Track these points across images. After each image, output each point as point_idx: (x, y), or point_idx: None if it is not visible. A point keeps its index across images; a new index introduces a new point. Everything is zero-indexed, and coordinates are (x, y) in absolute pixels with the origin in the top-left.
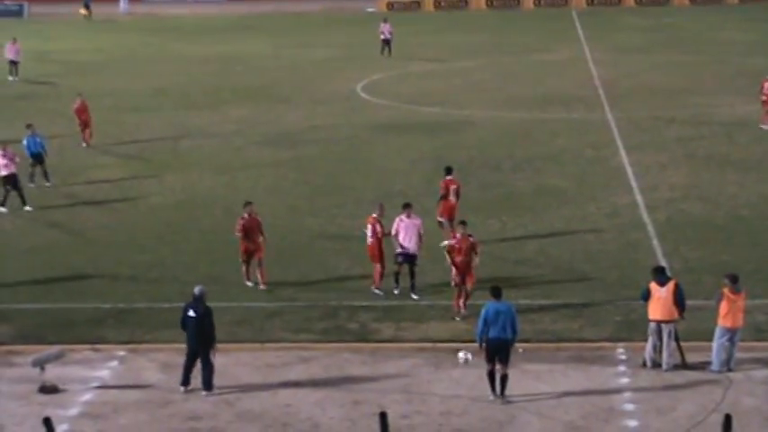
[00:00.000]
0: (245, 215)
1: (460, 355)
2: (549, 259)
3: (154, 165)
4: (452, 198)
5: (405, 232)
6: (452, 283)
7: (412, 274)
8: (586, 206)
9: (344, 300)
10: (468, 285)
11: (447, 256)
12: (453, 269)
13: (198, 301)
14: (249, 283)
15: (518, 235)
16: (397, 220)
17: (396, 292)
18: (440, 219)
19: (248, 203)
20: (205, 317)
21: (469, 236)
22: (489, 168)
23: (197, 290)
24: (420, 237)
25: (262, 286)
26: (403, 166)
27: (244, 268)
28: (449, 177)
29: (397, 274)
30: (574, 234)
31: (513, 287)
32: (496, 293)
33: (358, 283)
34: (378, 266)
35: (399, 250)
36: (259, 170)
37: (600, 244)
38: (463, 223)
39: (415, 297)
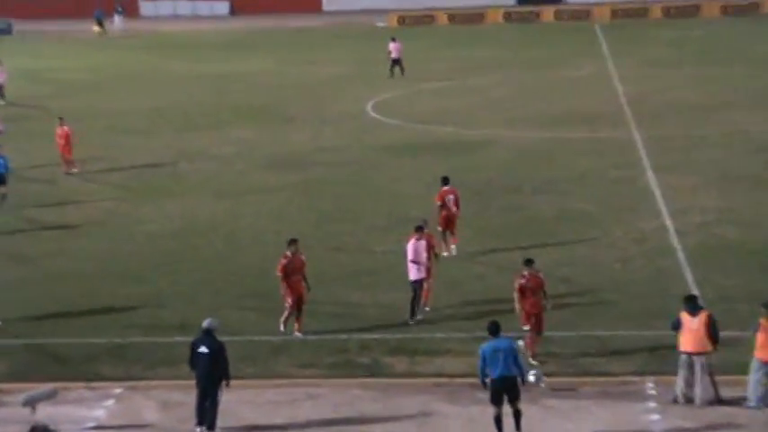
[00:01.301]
0: (288, 253)
1: (532, 374)
2: (572, 287)
3: (150, 190)
4: (452, 208)
5: (415, 255)
6: (525, 327)
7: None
8: (612, 231)
9: (355, 333)
10: (540, 329)
11: (516, 299)
12: (522, 313)
13: (209, 336)
14: (282, 329)
15: (540, 262)
16: (411, 242)
17: (411, 322)
18: (439, 228)
19: (293, 241)
20: (219, 353)
21: (538, 273)
22: (509, 191)
23: (207, 323)
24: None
25: (297, 334)
26: (417, 189)
27: (285, 315)
28: (446, 188)
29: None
30: (599, 261)
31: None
32: (493, 330)
33: (369, 314)
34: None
35: (415, 276)
36: (263, 195)
37: (627, 272)
38: (530, 262)
39: (415, 318)
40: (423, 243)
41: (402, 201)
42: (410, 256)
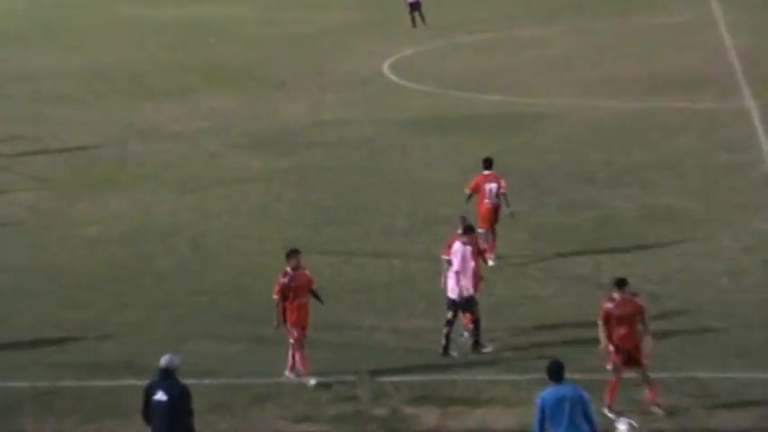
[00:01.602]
0: (289, 269)
1: (621, 425)
2: (663, 310)
3: (89, 180)
4: (494, 199)
5: (463, 265)
6: (609, 367)
7: (474, 323)
8: (718, 236)
9: (367, 372)
10: (639, 369)
11: (600, 329)
12: (610, 347)
13: (168, 378)
14: (291, 376)
15: (615, 276)
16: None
17: (454, 354)
18: (480, 230)
19: (294, 253)
20: (180, 401)
21: (634, 297)
22: (577, 182)
23: (166, 361)
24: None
25: (289, 375)
26: (450, 178)
27: (293, 354)
28: (487, 172)
29: (446, 334)
30: (699, 275)
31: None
32: (555, 372)
33: (385, 346)
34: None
35: (461, 294)
36: (242, 186)
37: (738, 291)
38: (622, 283)
39: (485, 350)
40: (470, 249)
41: (429, 194)
42: (456, 265)
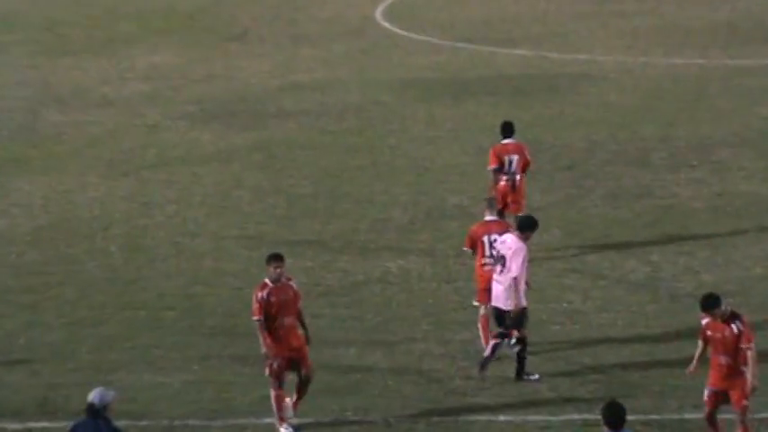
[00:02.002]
0: (269, 281)
1: None
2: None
3: None
4: (512, 176)
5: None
6: (706, 410)
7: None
8: None
9: (363, 410)
10: (738, 409)
11: (698, 350)
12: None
13: (98, 419)
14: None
15: (685, 286)
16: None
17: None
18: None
19: (276, 259)
20: None
21: (734, 318)
22: (627, 162)
23: (95, 396)
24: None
25: (281, 429)
26: (461, 158)
27: (276, 394)
28: (507, 141)
29: (492, 346)
30: None
31: (676, 388)
32: (613, 417)
33: (377, 374)
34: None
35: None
36: (191, 168)
37: None
38: (712, 302)
39: (533, 378)
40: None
41: (434, 179)
42: (516, 269)
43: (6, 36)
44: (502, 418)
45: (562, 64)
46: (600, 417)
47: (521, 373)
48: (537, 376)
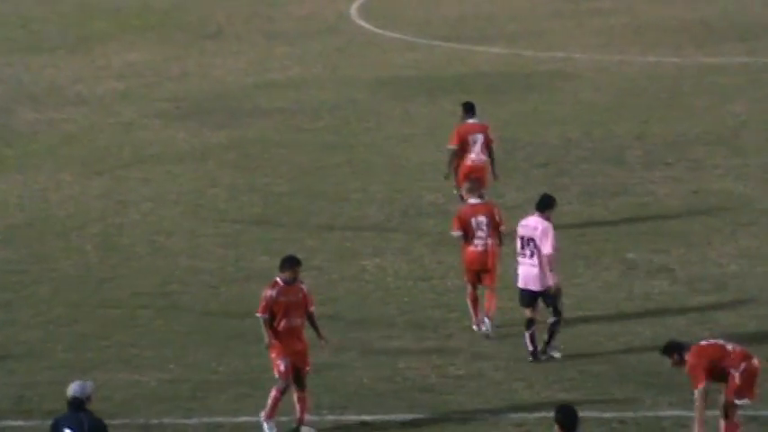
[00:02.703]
0: (280, 281)
1: None
2: (717, 331)
3: None
4: (480, 155)
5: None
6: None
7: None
8: None
9: (339, 408)
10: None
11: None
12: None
13: (79, 412)
14: (265, 425)
15: (660, 283)
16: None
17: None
18: (456, 192)
19: (292, 263)
20: None
21: (682, 364)
22: (602, 160)
23: (75, 389)
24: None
25: (305, 427)
26: (437, 156)
27: (273, 397)
28: (471, 121)
29: (530, 336)
30: (765, 283)
31: (650, 386)
32: (567, 421)
33: (353, 374)
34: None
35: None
36: (166, 166)
37: None
38: (664, 352)
39: (556, 356)
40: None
41: (410, 177)
42: (548, 247)
43: None
44: (477, 416)
45: (537, 62)
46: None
47: (549, 346)
48: (560, 354)
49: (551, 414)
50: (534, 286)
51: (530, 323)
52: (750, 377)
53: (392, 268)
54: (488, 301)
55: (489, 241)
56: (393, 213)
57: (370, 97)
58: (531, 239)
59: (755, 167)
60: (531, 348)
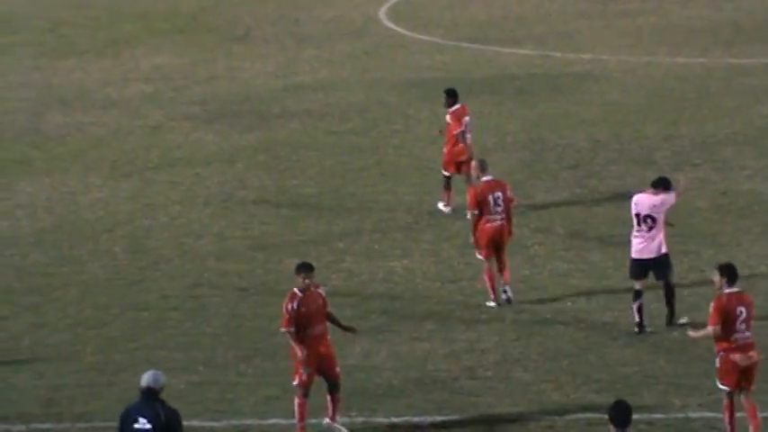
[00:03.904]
0: (298, 291)
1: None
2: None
3: None
4: (463, 140)
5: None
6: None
7: (667, 297)
8: None
9: (368, 410)
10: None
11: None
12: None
13: (152, 401)
14: (334, 425)
15: (689, 285)
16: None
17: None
18: (446, 172)
19: (305, 268)
20: (171, 428)
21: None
22: (631, 161)
23: (149, 379)
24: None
25: (334, 424)
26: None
27: (299, 402)
28: (458, 105)
29: (638, 307)
30: None
31: (680, 387)
32: (620, 416)
33: (382, 375)
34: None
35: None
36: (195, 169)
37: None
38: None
39: (683, 320)
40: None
41: (438, 180)
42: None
43: (9, 37)
44: (506, 417)
45: (566, 63)
46: (604, 416)
47: (673, 317)
48: (685, 319)
49: (580, 416)
50: (650, 254)
51: (638, 295)
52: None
53: (421, 270)
54: (505, 274)
55: (503, 216)
56: (421, 215)
57: (399, 99)
58: (648, 216)
59: None
60: (637, 320)
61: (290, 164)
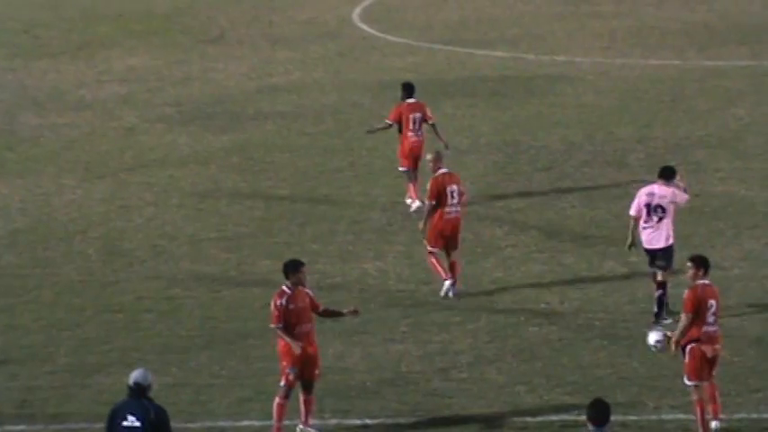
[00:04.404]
0: (286, 288)
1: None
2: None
3: None
4: (418, 134)
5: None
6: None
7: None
8: None
9: (342, 412)
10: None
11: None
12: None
13: (141, 399)
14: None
15: (654, 292)
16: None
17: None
18: (403, 168)
19: (297, 266)
20: (159, 425)
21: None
22: (604, 163)
23: (137, 376)
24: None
25: (309, 429)
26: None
27: (280, 402)
28: (410, 101)
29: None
30: (758, 294)
31: (653, 389)
32: (599, 415)
33: (355, 377)
34: None
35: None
36: (169, 171)
37: None
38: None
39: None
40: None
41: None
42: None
43: None
44: (480, 419)
45: (539, 65)
46: (577, 418)
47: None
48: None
49: (554, 417)
50: (661, 244)
51: (661, 285)
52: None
53: (394, 271)
54: (456, 266)
55: (459, 209)
56: (395, 217)
57: (372, 101)
58: (659, 206)
59: (758, 171)
60: (656, 310)
61: (264, 165)
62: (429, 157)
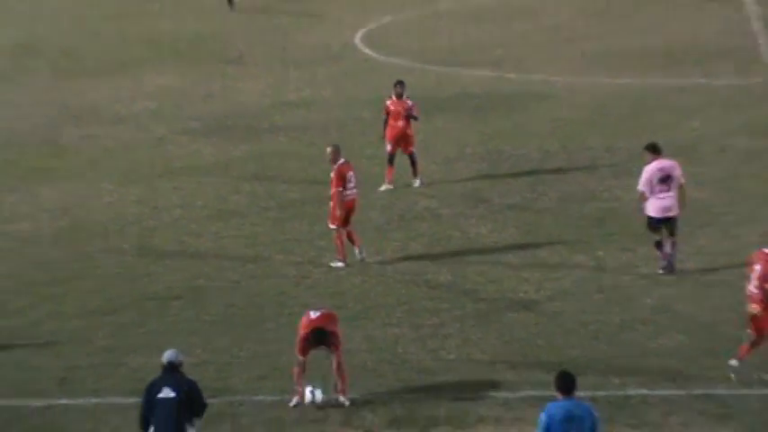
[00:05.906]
0: (311, 314)
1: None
2: (677, 322)
3: (19, 171)
4: (403, 121)
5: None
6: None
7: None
8: (740, 232)
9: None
10: None
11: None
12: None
13: (174, 374)
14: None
15: (626, 278)
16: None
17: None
18: (390, 150)
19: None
20: (191, 396)
21: None
22: (575, 170)
23: (170, 355)
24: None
25: (342, 399)
26: (431, 167)
27: (296, 377)
28: (397, 91)
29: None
30: (718, 280)
31: (619, 368)
32: (566, 385)
33: (357, 356)
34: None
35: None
36: (194, 176)
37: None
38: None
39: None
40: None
41: (407, 186)
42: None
43: (30, 61)
44: (467, 395)
45: (519, 84)
46: (553, 393)
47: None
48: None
49: (531, 392)
50: (671, 213)
51: (660, 244)
52: None
53: (392, 265)
54: (357, 237)
55: (356, 191)
56: (392, 217)
57: (372, 115)
58: (669, 176)
59: (711, 176)
60: (663, 263)
61: (278, 172)
62: (329, 149)
